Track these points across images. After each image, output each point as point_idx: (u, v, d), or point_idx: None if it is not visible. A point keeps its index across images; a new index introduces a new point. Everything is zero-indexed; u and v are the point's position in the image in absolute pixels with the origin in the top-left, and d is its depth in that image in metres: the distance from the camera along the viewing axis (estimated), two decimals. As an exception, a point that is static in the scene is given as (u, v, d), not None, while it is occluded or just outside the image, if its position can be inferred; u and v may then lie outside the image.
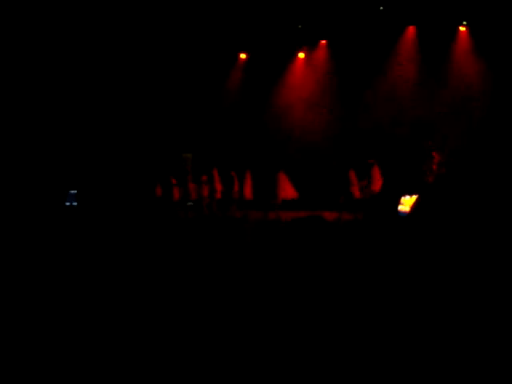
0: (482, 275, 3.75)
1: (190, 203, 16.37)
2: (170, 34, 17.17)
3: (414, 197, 7.99)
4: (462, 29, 15.32)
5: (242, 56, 18.44)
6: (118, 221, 11.84)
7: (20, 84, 16.06)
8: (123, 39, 17.07)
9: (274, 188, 14.53)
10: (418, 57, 15.81)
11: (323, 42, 17.22)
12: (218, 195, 15.79)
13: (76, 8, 15.85)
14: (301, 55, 17.65)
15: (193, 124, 18.42)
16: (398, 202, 9.89)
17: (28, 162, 15.71)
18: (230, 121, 18.24)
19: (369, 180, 13.64)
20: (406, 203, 9.17)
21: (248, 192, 15.53)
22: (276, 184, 14.44)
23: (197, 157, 18.59)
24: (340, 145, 16.27)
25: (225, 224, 11.73)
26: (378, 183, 13.52)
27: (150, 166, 17.13)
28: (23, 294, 5.23)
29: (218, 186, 15.78)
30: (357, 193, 13.89)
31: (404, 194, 9.90)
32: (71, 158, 16.37)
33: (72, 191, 14.81)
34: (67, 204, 14.96)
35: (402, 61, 15.99)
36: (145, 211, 14.45)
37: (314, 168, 16.08)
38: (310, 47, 17.43)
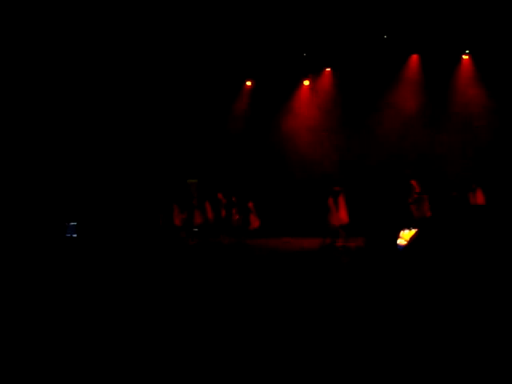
0: (479, 309, 3.81)
1: (195, 229, 16.35)
2: (177, 61, 17.37)
3: (413, 231, 8.04)
4: (464, 57, 15.50)
5: (248, 83, 18.63)
6: (120, 250, 11.83)
7: (23, 95, 16.00)
8: (130, 66, 17.21)
9: (326, 213, 14.10)
10: (422, 84, 15.92)
11: (328, 69, 17.42)
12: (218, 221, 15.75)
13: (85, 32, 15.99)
14: (306, 82, 17.84)
15: (198, 150, 18.59)
16: (397, 236, 9.91)
17: (28, 191, 15.65)
18: (235, 147, 18.40)
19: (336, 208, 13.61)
20: (405, 237, 9.22)
21: (255, 221, 15.45)
22: (330, 208, 13.98)
23: (202, 182, 18.70)
24: (343, 170, 16.39)
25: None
26: (341, 212, 13.50)
27: (155, 193, 17.13)
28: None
29: (223, 212, 15.77)
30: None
31: (403, 228, 9.91)
32: (72, 187, 16.32)
33: (72, 223, 14.66)
34: (67, 236, 14.84)
35: (405, 88, 16.08)
36: (148, 239, 14.41)
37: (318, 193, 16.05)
38: (315, 75, 17.62)
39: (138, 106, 17.90)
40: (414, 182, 12.76)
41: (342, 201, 13.54)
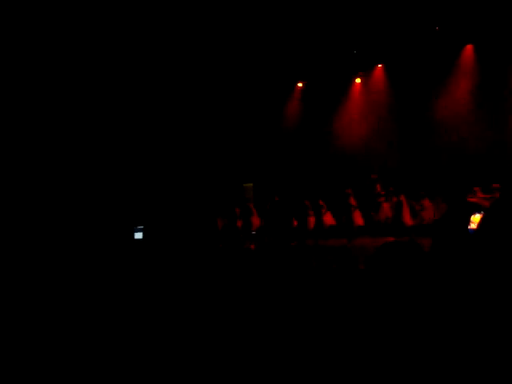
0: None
1: (253, 232, 16.46)
2: (229, 65, 17.56)
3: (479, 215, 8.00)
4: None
5: (299, 85, 18.61)
6: (182, 255, 12.03)
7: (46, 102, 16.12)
8: (183, 69, 17.44)
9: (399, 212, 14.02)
10: (477, 77, 15.46)
11: (379, 66, 17.18)
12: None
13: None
14: (357, 80, 17.69)
15: (253, 153, 18.71)
16: (468, 221, 9.77)
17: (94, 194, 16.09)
18: (289, 149, 18.40)
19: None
20: (476, 221, 9.07)
21: (329, 219, 15.46)
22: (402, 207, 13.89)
23: (258, 186, 18.79)
24: (399, 170, 16.13)
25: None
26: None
27: (212, 197, 17.31)
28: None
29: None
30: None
31: (474, 213, 9.75)
32: (135, 191, 16.66)
33: (139, 226, 15.04)
34: (136, 238, 15.26)
35: (460, 80, 15.68)
36: (208, 244, 14.61)
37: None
38: (367, 72, 17.44)
39: (192, 111, 18.13)
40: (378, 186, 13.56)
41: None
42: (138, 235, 14.51)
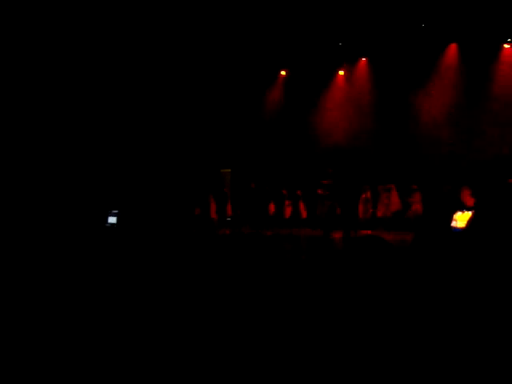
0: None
1: (228, 219, 16.37)
2: (210, 49, 17.23)
3: (468, 212, 7.98)
4: (506, 46, 15.02)
5: (283, 73, 18.49)
6: (157, 241, 11.89)
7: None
8: (162, 54, 17.08)
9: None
10: (461, 75, 15.52)
11: (364, 59, 17.15)
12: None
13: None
14: (341, 73, 17.62)
15: (232, 139, 18.51)
16: (451, 218, 9.77)
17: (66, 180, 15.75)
18: (270, 136, 18.26)
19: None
20: (460, 219, 8.92)
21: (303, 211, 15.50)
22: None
23: (236, 172, 18.70)
24: (380, 162, 16.16)
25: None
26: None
27: (189, 183, 17.21)
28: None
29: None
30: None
31: (457, 210, 9.72)
32: (108, 176, 16.40)
33: (113, 211, 14.35)
34: (107, 224, 14.62)
35: (443, 79, 15.72)
36: (185, 230, 14.46)
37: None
38: (351, 65, 17.38)
39: (168, 95, 17.74)
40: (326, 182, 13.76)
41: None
42: (112, 219, 14.35)
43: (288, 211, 15.66)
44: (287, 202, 15.73)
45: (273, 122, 18.37)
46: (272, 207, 15.54)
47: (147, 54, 16.81)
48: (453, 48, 15.71)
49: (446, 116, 15.50)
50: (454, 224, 8.69)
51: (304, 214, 15.63)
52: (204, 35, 16.77)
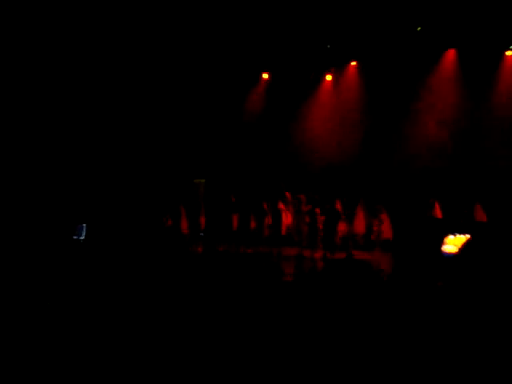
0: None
1: (201, 234, 15.18)
2: (187, 51, 16.28)
3: (460, 236, 8.03)
4: (508, 53, 14.14)
5: (265, 76, 17.42)
6: (125, 255, 11.40)
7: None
8: (137, 56, 16.26)
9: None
10: (459, 83, 14.63)
11: (353, 63, 16.18)
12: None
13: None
14: (328, 77, 16.67)
15: (208, 147, 17.44)
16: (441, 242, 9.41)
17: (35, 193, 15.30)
18: (248, 145, 17.23)
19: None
20: (451, 243, 8.77)
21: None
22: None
23: (210, 183, 17.55)
24: (367, 172, 15.26)
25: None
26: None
27: (161, 193, 16.10)
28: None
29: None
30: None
31: (448, 234, 9.32)
32: (80, 188, 15.84)
33: (81, 225, 14.43)
34: (75, 238, 14.64)
35: (440, 86, 14.81)
36: (154, 244, 13.61)
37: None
38: (339, 69, 16.41)
39: (143, 102, 16.83)
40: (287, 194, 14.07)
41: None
42: (80, 233, 14.12)
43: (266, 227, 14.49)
44: (267, 219, 14.54)
45: (252, 129, 17.33)
46: (252, 223, 14.33)
47: (113, 50, 16.03)
48: (451, 54, 14.87)
49: (442, 127, 14.65)
50: (445, 248, 8.69)
51: (283, 231, 14.51)
52: (181, 34, 15.94)
